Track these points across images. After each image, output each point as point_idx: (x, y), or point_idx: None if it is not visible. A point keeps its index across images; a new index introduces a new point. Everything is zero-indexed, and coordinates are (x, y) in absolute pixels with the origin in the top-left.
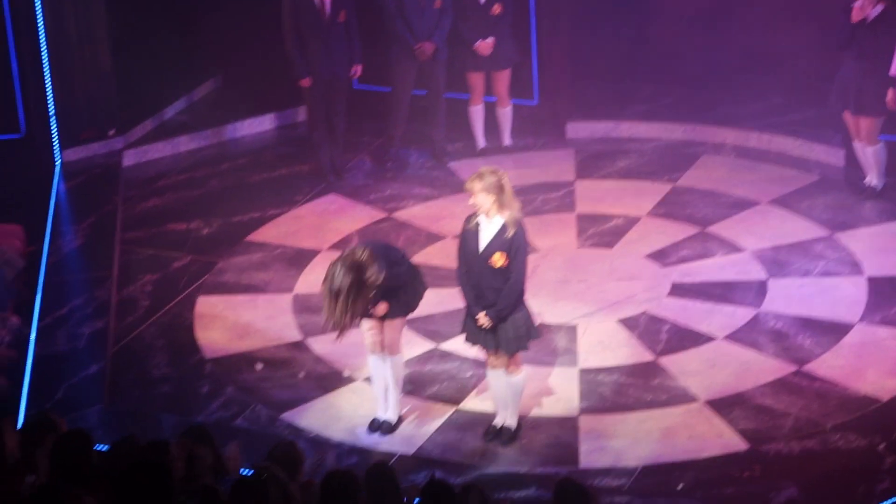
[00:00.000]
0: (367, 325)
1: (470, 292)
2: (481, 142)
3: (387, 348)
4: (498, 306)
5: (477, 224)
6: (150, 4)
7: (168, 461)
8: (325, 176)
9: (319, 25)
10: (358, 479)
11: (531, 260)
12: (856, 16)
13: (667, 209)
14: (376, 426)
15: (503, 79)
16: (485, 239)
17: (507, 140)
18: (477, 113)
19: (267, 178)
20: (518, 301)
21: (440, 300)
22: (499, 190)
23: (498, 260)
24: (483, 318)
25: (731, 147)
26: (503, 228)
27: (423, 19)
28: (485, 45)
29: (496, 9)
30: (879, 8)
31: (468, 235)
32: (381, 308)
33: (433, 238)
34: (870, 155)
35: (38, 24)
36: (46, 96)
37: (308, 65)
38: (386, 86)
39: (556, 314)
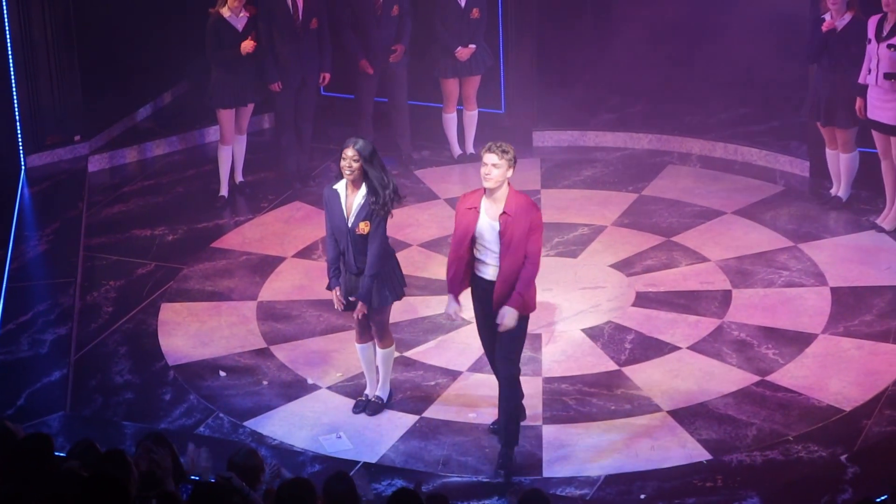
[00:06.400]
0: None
1: None
2: (457, 149)
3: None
4: None
5: None
6: (116, 10)
7: (126, 470)
8: (290, 182)
9: (292, 31)
10: (314, 487)
11: None
12: (826, 26)
13: (632, 219)
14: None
15: (474, 83)
16: None
17: (470, 147)
18: (451, 121)
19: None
20: None
21: (405, 308)
22: None
23: None
24: None
25: (697, 157)
26: None
27: (380, 28)
28: (466, 52)
29: (475, 12)
30: (848, 17)
31: None
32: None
33: (399, 246)
34: (845, 161)
35: (5, 29)
36: (12, 101)
37: (279, 70)
38: (351, 94)
39: None
